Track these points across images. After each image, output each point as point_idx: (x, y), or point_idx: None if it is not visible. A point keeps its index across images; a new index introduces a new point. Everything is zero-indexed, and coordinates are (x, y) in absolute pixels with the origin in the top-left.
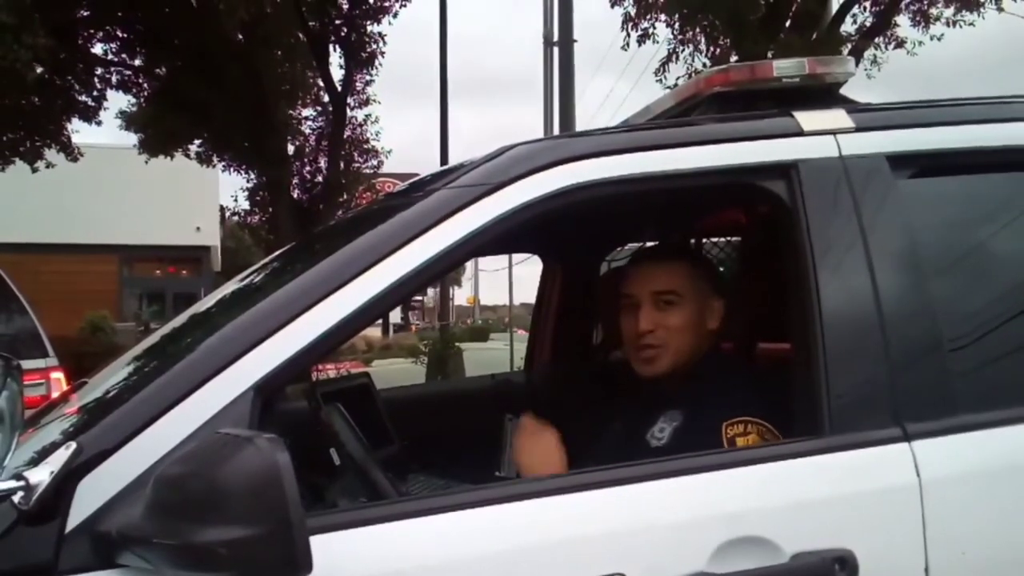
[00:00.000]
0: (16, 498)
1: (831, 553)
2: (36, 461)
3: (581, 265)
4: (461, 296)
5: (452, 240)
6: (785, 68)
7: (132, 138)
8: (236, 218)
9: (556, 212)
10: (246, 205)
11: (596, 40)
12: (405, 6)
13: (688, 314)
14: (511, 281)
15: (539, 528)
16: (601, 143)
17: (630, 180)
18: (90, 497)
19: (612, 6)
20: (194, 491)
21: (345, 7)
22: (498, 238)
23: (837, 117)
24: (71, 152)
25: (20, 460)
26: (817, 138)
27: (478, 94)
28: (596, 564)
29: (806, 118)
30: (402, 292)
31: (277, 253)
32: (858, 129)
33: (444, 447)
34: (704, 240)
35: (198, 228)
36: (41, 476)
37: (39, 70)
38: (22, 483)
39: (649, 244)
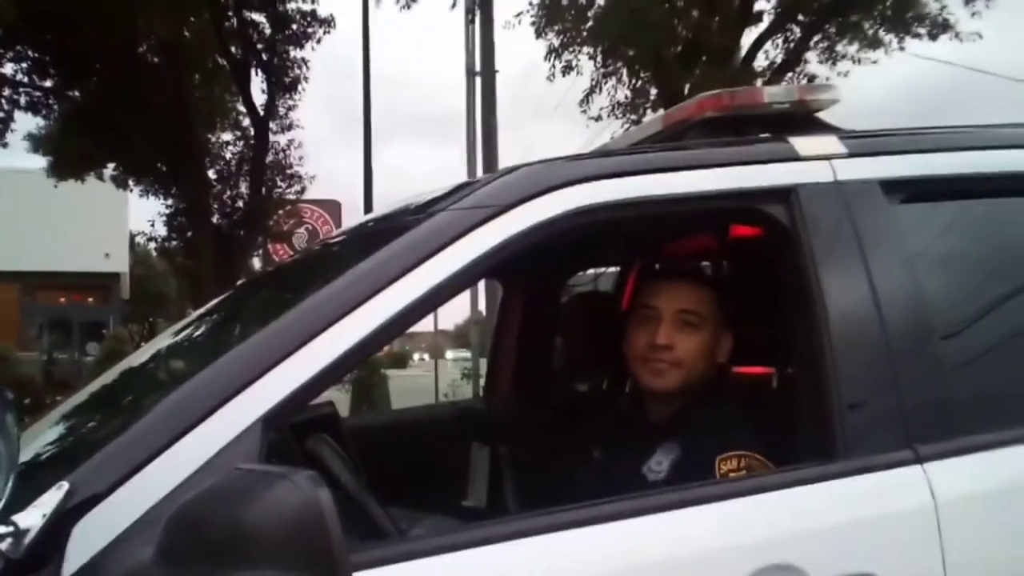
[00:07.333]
0: (4, 545)
1: None
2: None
3: (544, 289)
4: None
5: (460, 264)
6: (776, 94)
7: (38, 160)
8: (152, 244)
9: (565, 234)
10: (162, 230)
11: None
12: (328, 32)
13: (704, 340)
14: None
15: (561, 565)
16: (611, 165)
17: (636, 203)
18: (88, 541)
19: (537, 37)
20: (217, 533)
21: (267, 32)
22: (503, 262)
23: (830, 143)
24: None
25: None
26: (813, 163)
27: (412, 132)
28: None
29: (801, 143)
30: (411, 317)
31: (243, 281)
32: (851, 155)
33: (409, 478)
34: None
35: (107, 254)
36: (32, 520)
37: None
38: (11, 528)
39: (675, 260)
